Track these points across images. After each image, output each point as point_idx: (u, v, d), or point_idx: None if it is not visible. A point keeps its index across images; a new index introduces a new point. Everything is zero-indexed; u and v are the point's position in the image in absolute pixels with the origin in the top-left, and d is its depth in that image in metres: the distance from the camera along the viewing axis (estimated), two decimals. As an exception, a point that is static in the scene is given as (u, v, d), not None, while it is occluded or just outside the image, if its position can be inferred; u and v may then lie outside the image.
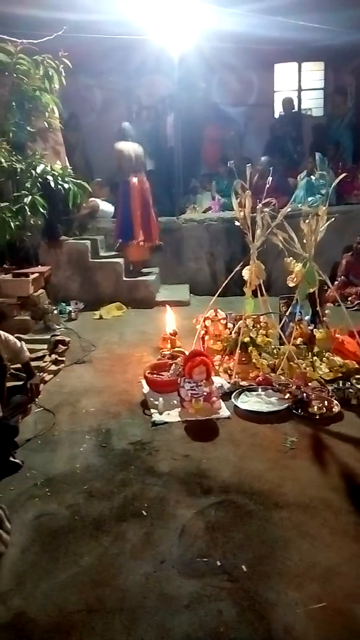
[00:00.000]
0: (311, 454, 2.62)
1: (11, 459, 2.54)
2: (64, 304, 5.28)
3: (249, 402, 3.17)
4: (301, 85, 8.30)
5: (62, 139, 5.21)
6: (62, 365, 3.91)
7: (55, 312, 4.82)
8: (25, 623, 1.71)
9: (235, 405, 3.12)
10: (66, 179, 4.56)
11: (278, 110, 8.01)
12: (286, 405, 3.09)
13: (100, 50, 6.15)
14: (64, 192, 4.55)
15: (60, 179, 4.52)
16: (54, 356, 3.95)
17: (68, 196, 4.58)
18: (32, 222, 4.56)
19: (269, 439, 2.78)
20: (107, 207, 6.34)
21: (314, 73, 8.30)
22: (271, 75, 8.19)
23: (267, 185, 3.52)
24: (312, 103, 8.38)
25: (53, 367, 3.81)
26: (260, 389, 3.29)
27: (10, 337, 2.89)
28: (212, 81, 7.68)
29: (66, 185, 4.55)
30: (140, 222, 5.63)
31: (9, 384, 2.82)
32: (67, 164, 5.06)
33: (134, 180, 5.61)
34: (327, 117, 7.83)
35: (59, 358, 3.97)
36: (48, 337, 4.21)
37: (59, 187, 4.50)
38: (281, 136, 7.40)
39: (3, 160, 4.16)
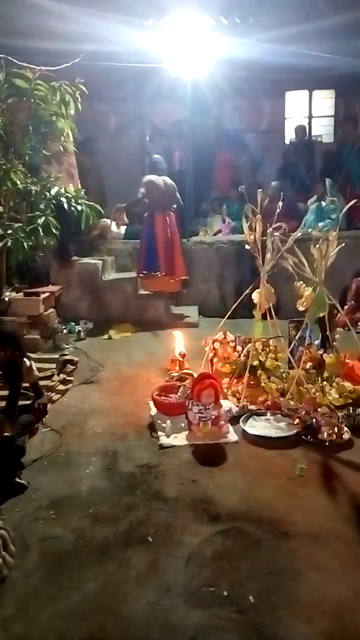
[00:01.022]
0: (321, 482, 2.58)
1: (17, 479, 2.53)
2: (73, 324, 5.31)
3: (258, 426, 3.14)
4: (312, 113, 8.45)
5: (75, 163, 5.33)
6: (70, 385, 3.91)
7: (65, 331, 4.84)
8: (27, 651, 1.67)
9: (244, 430, 3.09)
10: (79, 201, 4.64)
11: (289, 136, 8.16)
12: (295, 430, 3.05)
13: (115, 77, 6.35)
14: (77, 214, 4.63)
15: (73, 201, 4.60)
16: (62, 376, 3.95)
17: (80, 218, 4.66)
18: (44, 242, 4.63)
19: (277, 465, 2.75)
20: (118, 229, 6.43)
21: (324, 101, 8.47)
22: (282, 103, 8.37)
23: (278, 210, 3.56)
24: (323, 130, 8.53)
25: (61, 387, 3.81)
26: (268, 414, 3.26)
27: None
28: (224, 108, 7.86)
29: (79, 207, 4.63)
30: (163, 256, 5.63)
31: (17, 403, 2.82)
32: (80, 186, 5.16)
33: (160, 216, 5.62)
34: (338, 144, 7.95)
35: (67, 378, 3.97)
36: (57, 356, 4.23)
37: (72, 208, 4.58)
38: (293, 162, 7.51)
39: (19, 182, 4.25)
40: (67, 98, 4.56)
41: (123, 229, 6.44)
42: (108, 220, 6.34)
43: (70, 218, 4.73)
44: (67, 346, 4.66)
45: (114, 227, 6.39)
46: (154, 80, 6.34)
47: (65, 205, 4.54)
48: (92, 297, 5.72)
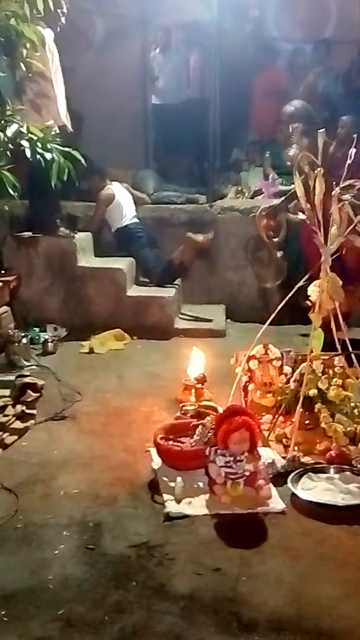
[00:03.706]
0: None
1: None
2: (37, 329, 5.34)
3: (316, 489, 3.14)
4: None
5: (51, 89, 5.40)
6: (32, 421, 3.93)
7: (24, 341, 4.88)
8: None
9: (294, 494, 3.08)
10: (49, 146, 4.67)
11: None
12: (373, 496, 3.04)
13: None
14: (45, 165, 4.65)
15: (40, 145, 4.63)
16: (19, 407, 3.98)
17: (50, 170, 4.69)
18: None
19: (345, 548, 2.74)
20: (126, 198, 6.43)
21: None
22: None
23: (350, 160, 3.56)
24: None
25: (18, 425, 3.84)
26: (332, 470, 3.26)
27: None
28: (268, 6, 7.87)
29: (48, 155, 4.66)
30: None
31: None
32: (56, 125, 5.22)
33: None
34: None
35: (28, 411, 4.00)
36: (12, 378, 4.26)
37: (38, 157, 4.61)
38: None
39: None
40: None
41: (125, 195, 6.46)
42: (113, 187, 6.33)
43: (36, 171, 4.77)
44: (27, 363, 4.72)
45: (119, 195, 6.37)
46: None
47: (28, 152, 4.58)
48: (65, 290, 5.77)
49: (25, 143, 4.60)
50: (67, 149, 4.81)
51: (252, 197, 6.82)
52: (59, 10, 5.39)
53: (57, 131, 5.02)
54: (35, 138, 4.68)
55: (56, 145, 4.76)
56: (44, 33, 5.10)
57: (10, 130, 4.58)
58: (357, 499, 3.05)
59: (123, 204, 6.31)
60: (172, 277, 6.10)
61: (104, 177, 6.29)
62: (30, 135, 4.67)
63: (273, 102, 7.52)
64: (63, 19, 5.48)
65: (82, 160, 4.90)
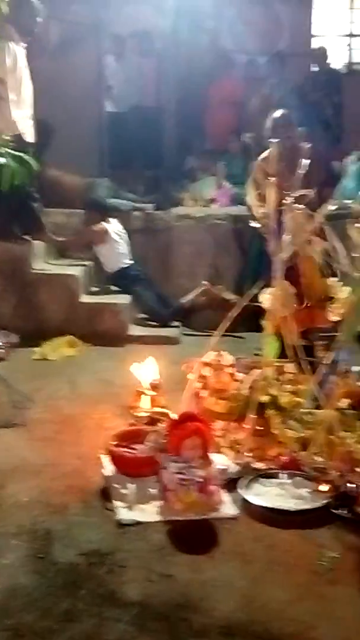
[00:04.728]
0: (360, 578, 2.61)
1: None
2: (-13, 336, 5.28)
3: (267, 494, 3.16)
4: (352, 29, 8.66)
5: (5, 95, 5.37)
6: (-19, 429, 3.88)
7: (-26, 347, 4.84)
8: None
9: (245, 499, 3.10)
10: (1, 151, 4.62)
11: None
12: (323, 501, 3.08)
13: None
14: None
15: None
16: (-32, 415, 3.93)
17: (1, 174, 4.64)
18: None
19: (297, 553, 2.76)
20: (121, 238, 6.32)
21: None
22: (308, 13, 8.54)
23: (302, 171, 3.62)
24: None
25: (-34, 432, 3.78)
26: (284, 476, 3.28)
27: None
28: (223, 18, 7.97)
29: (1, 160, 4.61)
30: None
31: None
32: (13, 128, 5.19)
33: None
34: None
35: (-23, 418, 3.95)
36: None
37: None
38: (316, 101, 7.66)
39: None
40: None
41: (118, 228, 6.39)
42: (108, 225, 6.20)
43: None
44: (-23, 370, 4.64)
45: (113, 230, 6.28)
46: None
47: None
48: (17, 295, 5.72)
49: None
50: (19, 154, 4.76)
51: (206, 206, 6.87)
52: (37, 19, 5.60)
53: (10, 135, 4.97)
54: (-14, 143, 4.63)
55: (8, 150, 4.71)
56: (16, 50, 5.39)
57: None
58: (308, 503, 3.08)
59: (118, 244, 6.22)
60: (178, 318, 6.09)
61: (104, 213, 6.22)
62: (-19, 140, 4.61)
63: (227, 113, 7.63)
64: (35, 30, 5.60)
65: (34, 165, 4.86)
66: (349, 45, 8.55)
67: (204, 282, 6.13)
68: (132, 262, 6.25)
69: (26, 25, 5.65)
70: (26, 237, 5.91)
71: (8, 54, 5.44)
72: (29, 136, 5.59)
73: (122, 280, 6.18)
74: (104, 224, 6.16)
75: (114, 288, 6.14)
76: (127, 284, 6.15)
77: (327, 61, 8.08)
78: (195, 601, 2.44)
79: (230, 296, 5.99)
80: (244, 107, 7.73)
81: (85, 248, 6.26)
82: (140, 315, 6.17)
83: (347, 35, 8.59)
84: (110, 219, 6.24)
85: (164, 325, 6.00)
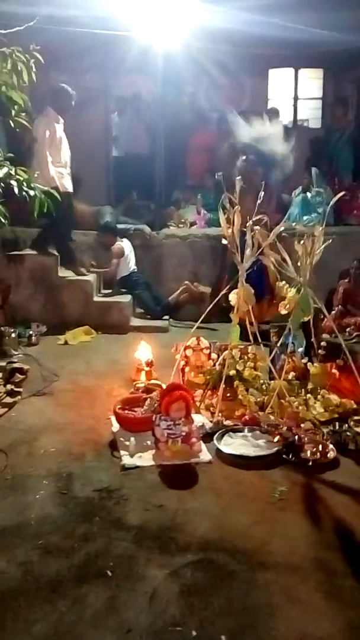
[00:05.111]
0: (303, 506, 2.62)
1: None
2: (23, 327, 5.24)
3: (234, 444, 3.18)
4: (298, 94, 8.62)
5: (44, 154, 5.34)
6: (19, 397, 3.86)
7: (13, 335, 4.79)
8: None
9: (218, 448, 3.12)
10: (32, 185, 4.58)
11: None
12: (275, 449, 3.10)
13: (77, 45, 6.32)
14: (29, 200, 4.56)
15: (25, 185, 4.54)
16: (9, 386, 3.91)
17: (33, 204, 4.60)
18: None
19: (255, 488, 2.78)
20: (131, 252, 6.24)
21: (312, 81, 8.63)
22: (265, 81, 8.50)
23: (259, 201, 3.62)
24: (310, 113, 8.70)
25: (8, 400, 3.77)
26: (246, 430, 3.30)
27: None
28: (200, 85, 7.93)
29: (32, 192, 4.57)
30: None
31: None
32: (51, 182, 5.17)
33: None
34: (326, 130, 8.12)
35: (15, 389, 3.93)
36: (3, 364, 4.18)
37: (24, 194, 4.52)
38: (269, 149, 7.62)
39: None
40: (19, 66, 4.51)
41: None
42: (123, 244, 6.12)
43: (21, 205, 4.67)
44: (15, 352, 4.62)
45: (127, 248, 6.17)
46: (121, 50, 6.34)
47: (16, 190, 4.48)
48: (46, 296, 5.69)
49: (13, 182, 4.50)
50: (46, 189, 4.73)
51: (188, 227, 6.86)
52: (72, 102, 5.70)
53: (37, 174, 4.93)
54: (21, 179, 4.58)
55: (38, 185, 4.67)
56: (56, 126, 5.51)
57: (1, 172, 4.48)
58: (264, 451, 3.11)
59: (130, 258, 6.18)
60: (166, 313, 6.04)
61: (116, 234, 6.14)
62: (17, 176, 4.57)
63: (203, 157, 7.58)
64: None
65: (58, 197, 4.83)
66: (294, 105, 8.51)
67: (185, 282, 6.13)
68: (135, 269, 6.23)
69: (63, 108, 5.68)
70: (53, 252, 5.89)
71: (48, 128, 5.49)
72: (66, 187, 5.61)
73: (127, 284, 6.14)
74: (120, 243, 6.12)
75: (122, 290, 6.11)
76: (130, 286, 6.13)
77: (279, 118, 8.04)
78: (180, 525, 2.46)
79: (204, 289, 6.04)
80: (216, 153, 7.71)
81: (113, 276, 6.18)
82: (139, 310, 6.15)
83: (293, 98, 8.54)
84: (123, 239, 6.20)
85: (157, 318, 5.98)
